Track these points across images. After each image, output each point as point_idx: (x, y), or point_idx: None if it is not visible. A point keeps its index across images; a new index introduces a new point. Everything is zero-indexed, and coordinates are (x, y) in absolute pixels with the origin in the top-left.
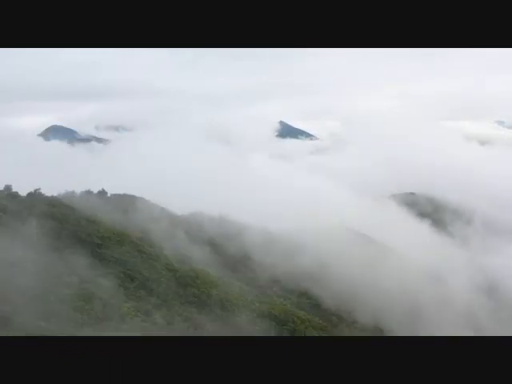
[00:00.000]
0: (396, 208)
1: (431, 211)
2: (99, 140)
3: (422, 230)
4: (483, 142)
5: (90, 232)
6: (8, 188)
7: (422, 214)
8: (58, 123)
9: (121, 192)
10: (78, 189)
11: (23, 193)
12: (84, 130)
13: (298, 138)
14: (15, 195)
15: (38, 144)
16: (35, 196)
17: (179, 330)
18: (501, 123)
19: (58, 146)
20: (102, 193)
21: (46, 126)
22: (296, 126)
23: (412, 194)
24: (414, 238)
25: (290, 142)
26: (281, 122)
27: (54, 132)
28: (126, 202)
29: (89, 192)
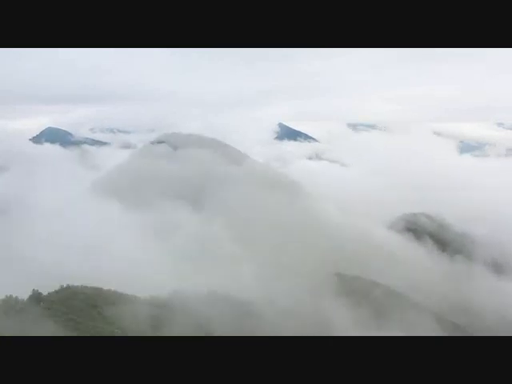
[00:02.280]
0: (398, 238)
1: (436, 237)
2: (93, 142)
3: (430, 267)
4: (483, 144)
5: None
6: None
7: (427, 240)
8: (55, 125)
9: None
10: None
11: None
12: (79, 132)
13: (296, 140)
14: None
15: (29, 147)
16: None
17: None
18: (500, 125)
19: (49, 148)
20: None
21: (42, 129)
22: (295, 128)
23: (414, 214)
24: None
25: (289, 145)
26: (280, 124)
27: (49, 134)
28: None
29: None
